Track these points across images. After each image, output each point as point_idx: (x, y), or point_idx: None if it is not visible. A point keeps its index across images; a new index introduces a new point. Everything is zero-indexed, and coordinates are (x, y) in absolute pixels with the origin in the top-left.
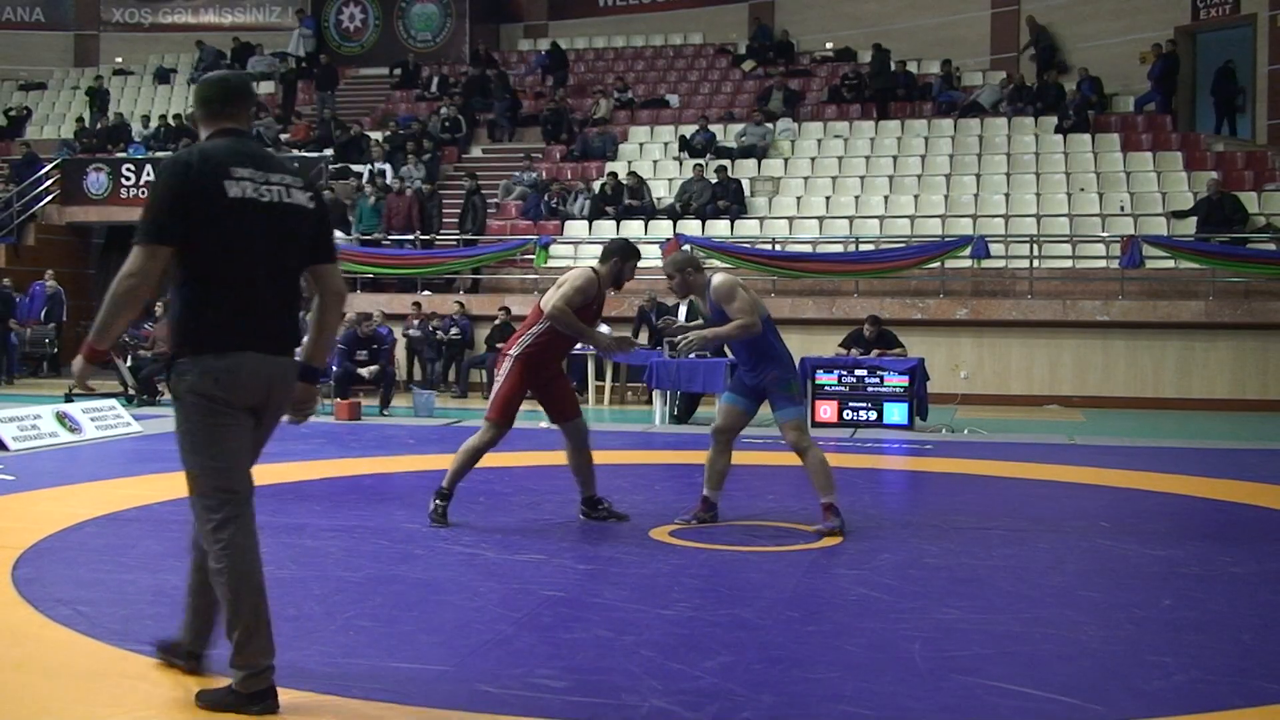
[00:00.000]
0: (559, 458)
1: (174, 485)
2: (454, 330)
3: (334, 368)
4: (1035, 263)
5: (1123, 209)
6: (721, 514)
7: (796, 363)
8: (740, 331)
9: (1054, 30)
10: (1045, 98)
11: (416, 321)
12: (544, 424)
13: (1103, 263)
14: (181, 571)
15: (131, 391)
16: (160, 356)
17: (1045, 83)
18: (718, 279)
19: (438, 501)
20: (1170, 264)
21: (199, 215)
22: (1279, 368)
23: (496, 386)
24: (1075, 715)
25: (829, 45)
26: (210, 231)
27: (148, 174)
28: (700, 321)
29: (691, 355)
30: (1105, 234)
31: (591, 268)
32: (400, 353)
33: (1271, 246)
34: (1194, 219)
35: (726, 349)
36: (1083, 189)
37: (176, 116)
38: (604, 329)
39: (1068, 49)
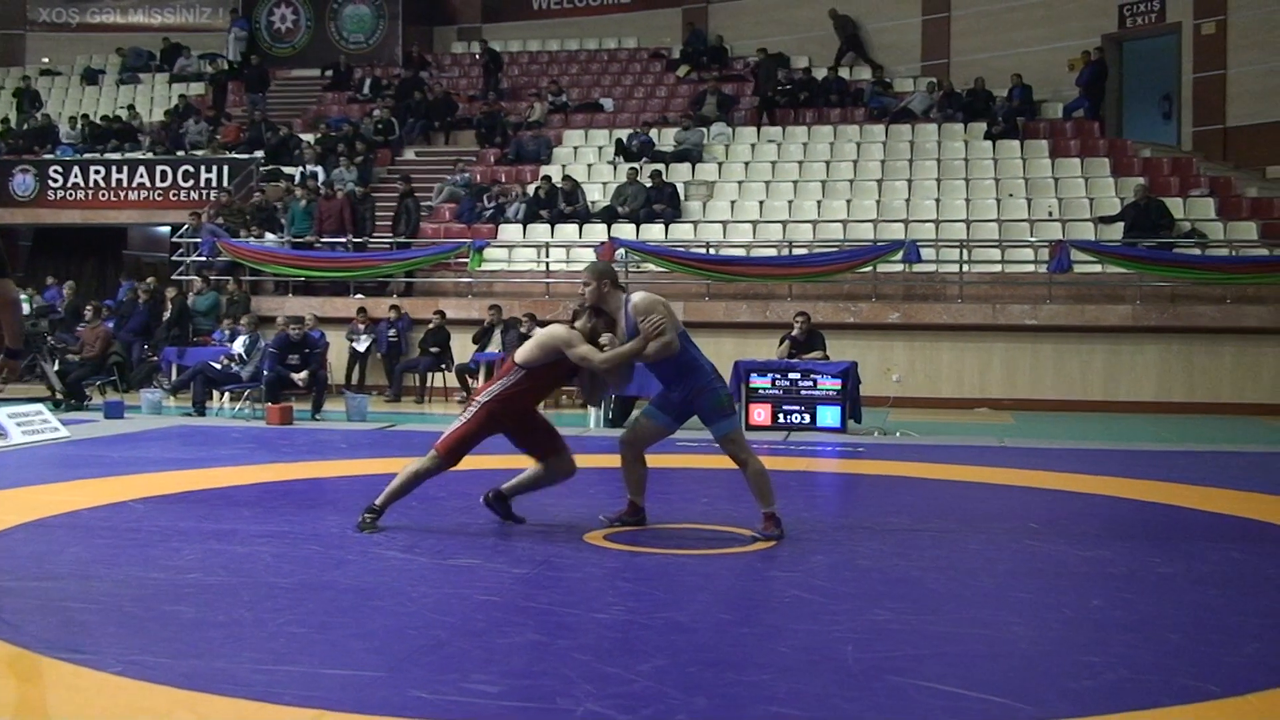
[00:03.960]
0: (494, 462)
1: (103, 491)
2: (390, 333)
3: (265, 371)
4: (965, 267)
5: (1051, 214)
6: (655, 517)
7: (730, 367)
8: (659, 351)
9: (982, 36)
10: (975, 105)
11: (363, 327)
12: None
13: (1031, 267)
14: (111, 579)
15: (59, 396)
16: (88, 360)
17: (841, 67)
18: (638, 296)
19: (367, 515)
20: (1098, 268)
21: None
22: (1204, 370)
23: (457, 424)
24: (1005, 715)
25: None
26: None
27: (76, 176)
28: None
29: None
30: (1034, 239)
31: (570, 324)
32: (339, 357)
33: (1197, 251)
34: (1121, 224)
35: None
36: (1011, 194)
37: (105, 117)
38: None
39: (998, 55)
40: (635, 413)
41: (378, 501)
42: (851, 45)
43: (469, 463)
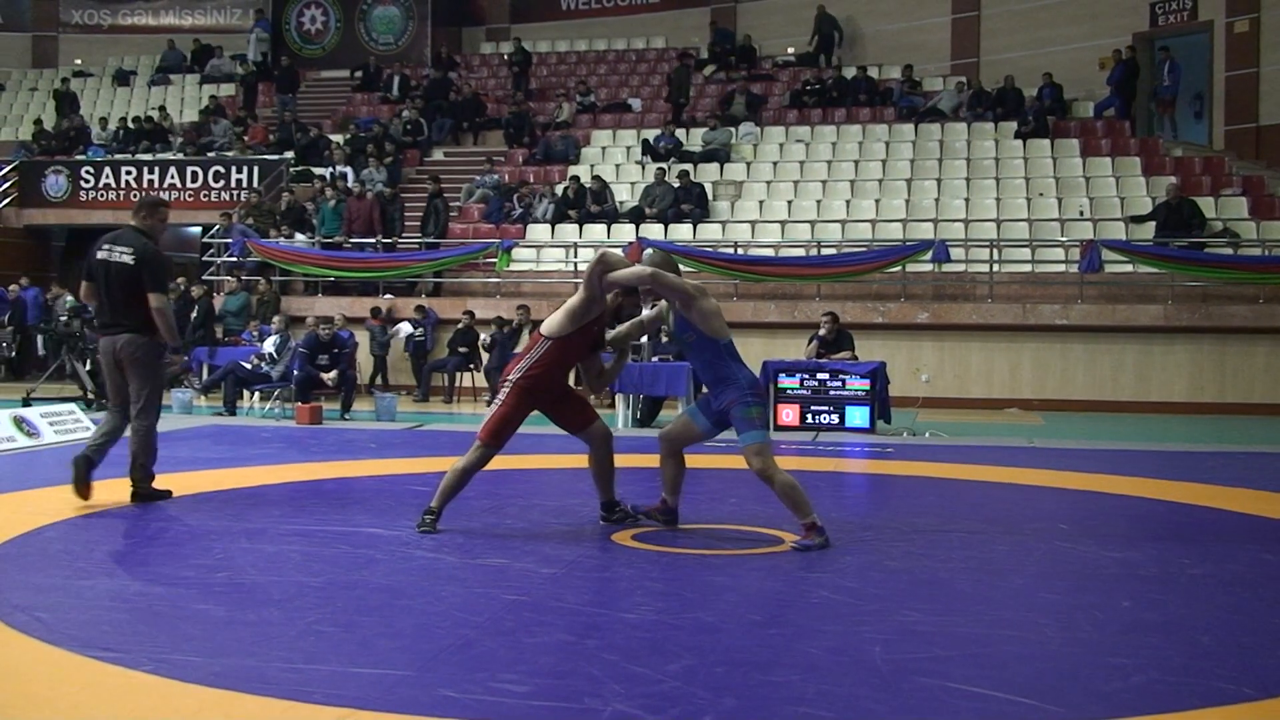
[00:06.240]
0: (523, 462)
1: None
2: (417, 331)
3: (295, 371)
4: (995, 267)
5: (1081, 214)
6: (684, 517)
7: (758, 367)
8: (676, 282)
9: (1011, 35)
10: (1005, 104)
11: (382, 327)
12: None
13: (1062, 267)
14: (142, 578)
15: (90, 395)
16: None
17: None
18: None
19: (426, 517)
20: (1129, 268)
21: (88, 266)
22: (1235, 371)
23: (492, 409)
24: (1035, 716)
25: (790, 50)
26: (91, 274)
27: (107, 176)
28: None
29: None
30: (1064, 238)
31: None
32: (368, 357)
33: (1228, 251)
34: (1152, 224)
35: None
36: (1042, 194)
37: (136, 119)
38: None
39: (1028, 54)
40: (680, 413)
41: (433, 503)
42: (826, 45)
43: (498, 463)
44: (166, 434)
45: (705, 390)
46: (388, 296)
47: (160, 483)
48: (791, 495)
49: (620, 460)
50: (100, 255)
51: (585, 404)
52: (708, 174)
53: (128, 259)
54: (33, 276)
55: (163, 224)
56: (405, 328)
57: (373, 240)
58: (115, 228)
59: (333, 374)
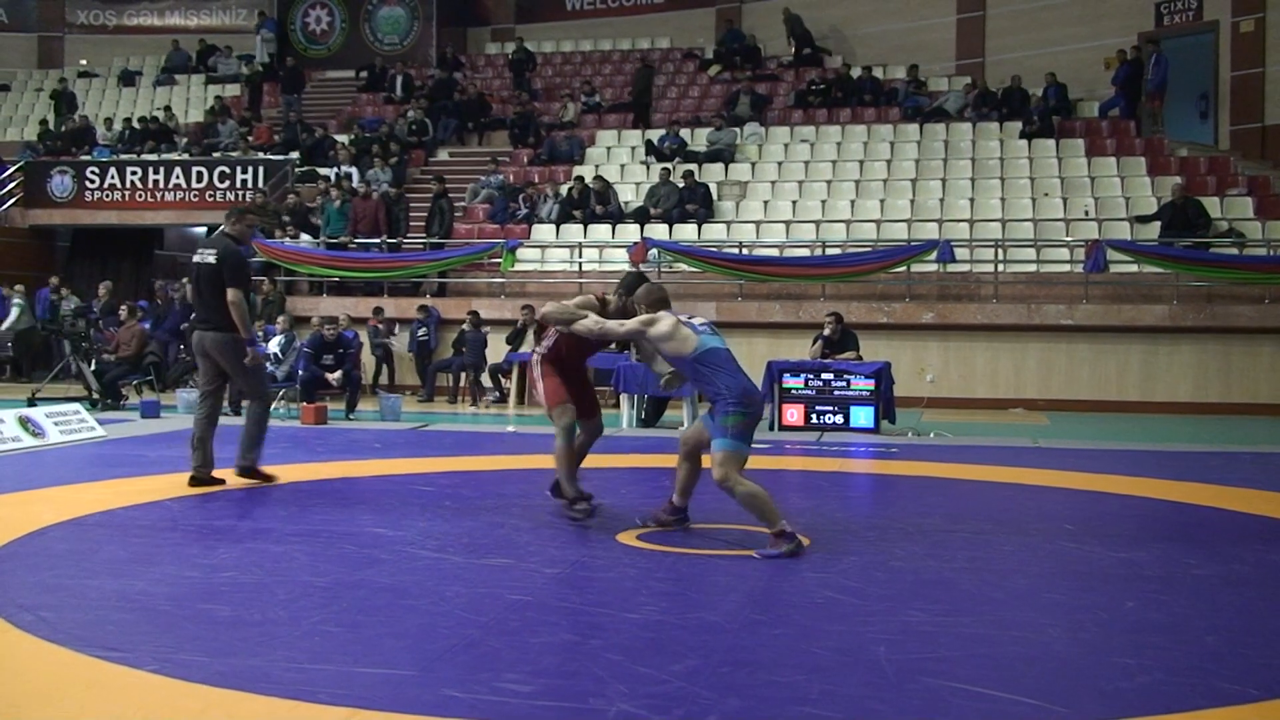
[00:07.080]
0: (526, 462)
1: (139, 490)
2: (421, 331)
3: (300, 371)
4: (1000, 267)
5: (1087, 213)
6: (688, 517)
7: (763, 367)
8: (618, 332)
9: (1017, 35)
10: (1010, 104)
11: (382, 328)
12: (511, 428)
13: (1067, 267)
14: (147, 578)
15: (95, 396)
16: (124, 360)
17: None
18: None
19: (575, 508)
20: (1134, 268)
21: (189, 271)
22: (1241, 371)
23: (540, 389)
24: (1039, 716)
25: (794, 50)
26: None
27: (112, 177)
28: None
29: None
30: (1069, 238)
31: (598, 295)
32: (366, 356)
33: (1234, 251)
34: (1157, 224)
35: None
36: (1047, 194)
37: (142, 119)
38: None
39: (1033, 54)
40: (685, 410)
41: (567, 491)
42: (805, 42)
43: (502, 463)
44: (171, 434)
45: None
46: (387, 311)
47: (165, 482)
48: (755, 505)
49: (623, 461)
50: (195, 259)
51: (595, 402)
52: (712, 174)
53: (211, 259)
54: (37, 277)
55: (250, 229)
56: (398, 343)
57: (378, 240)
58: (118, 228)
59: (338, 374)
